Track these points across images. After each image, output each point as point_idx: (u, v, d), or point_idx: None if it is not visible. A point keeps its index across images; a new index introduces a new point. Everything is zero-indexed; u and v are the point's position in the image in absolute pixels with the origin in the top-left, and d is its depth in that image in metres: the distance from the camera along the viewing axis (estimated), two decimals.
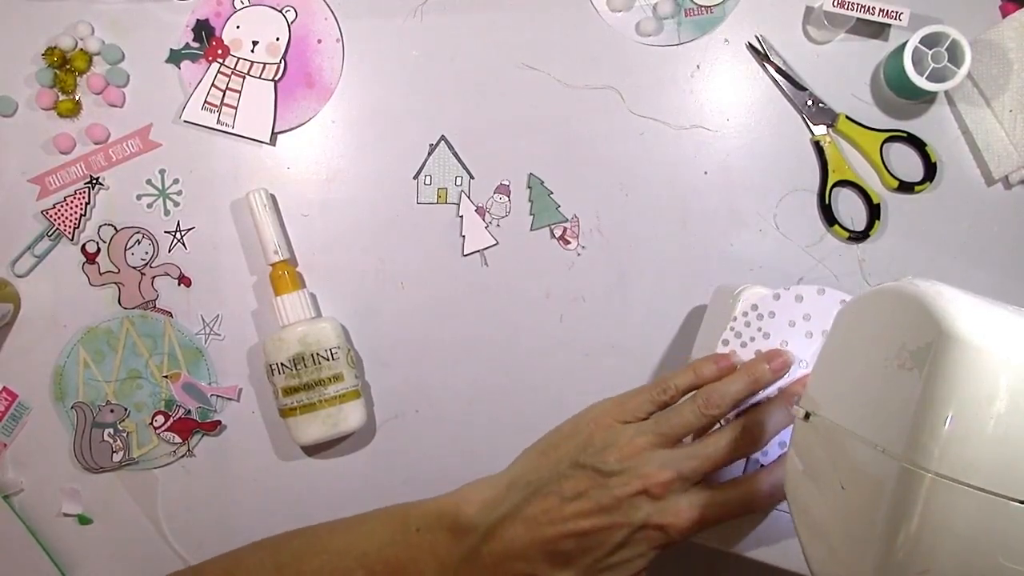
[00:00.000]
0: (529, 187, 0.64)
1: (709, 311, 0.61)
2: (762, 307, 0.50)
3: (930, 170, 0.63)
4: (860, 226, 0.63)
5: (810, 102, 0.63)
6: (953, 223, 0.64)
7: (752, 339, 0.50)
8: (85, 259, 0.64)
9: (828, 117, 0.63)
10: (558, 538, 0.47)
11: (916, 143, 0.63)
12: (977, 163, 0.64)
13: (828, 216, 0.63)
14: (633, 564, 0.47)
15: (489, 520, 0.48)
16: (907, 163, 0.63)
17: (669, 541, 0.47)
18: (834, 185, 0.63)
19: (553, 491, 0.48)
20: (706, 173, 0.64)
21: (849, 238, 0.63)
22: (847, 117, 0.63)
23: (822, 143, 0.63)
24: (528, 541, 0.47)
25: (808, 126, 0.63)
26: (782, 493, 0.44)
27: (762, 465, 0.51)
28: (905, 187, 0.63)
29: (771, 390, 0.50)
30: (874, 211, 0.63)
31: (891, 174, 0.63)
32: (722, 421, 0.49)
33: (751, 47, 0.63)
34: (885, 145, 0.63)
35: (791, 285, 0.50)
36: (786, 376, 0.50)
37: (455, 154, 0.64)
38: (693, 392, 0.50)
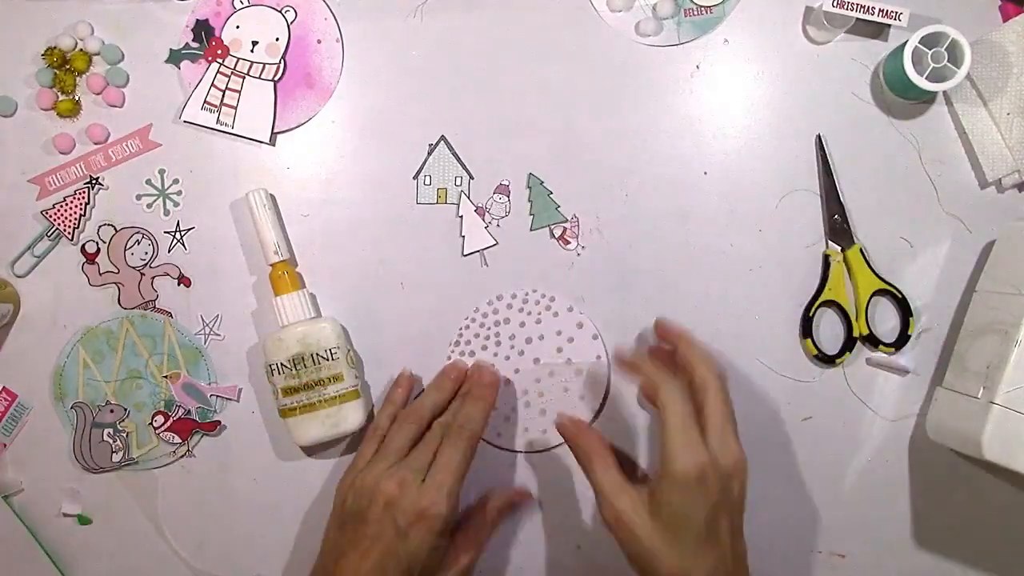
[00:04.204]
0: (529, 187, 0.64)
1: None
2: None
3: (901, 339, 0.62)
4: (831, 350, 0.63)
5: (838, 217, 0.62)
6: None
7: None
8: (85, 259, 0.64)
9: (846, 240, 0.62)
10: None
11: (903, 307, 0.63)
12: (972, 165, 0.64)
13: (805, 327, 0.63)
14: (431, 556, 0.54)
15: None
16: (886, 319, 0.63)
17: (441, 522, 0.53)
18: (823, 303, 0.63)
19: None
20: (706, 173, 0.64)
21: (816, 356, 0.63)
22: (861, 250, 0.62)
23: (831, 260, 0.62)
24: None
25: (826, 238, 0.63)
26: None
27: None
28: (872, 340, 0.63)
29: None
30: (850, 343, 0.63)
31: (867, 322, 0.62)
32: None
33: (818, 140, 0.63)
34: (875, 296, 0.62)
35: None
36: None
37: (455, 154, 0.64)
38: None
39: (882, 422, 0.64)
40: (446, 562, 0.56)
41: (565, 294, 0.63)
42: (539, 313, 0.56)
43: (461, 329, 0.56)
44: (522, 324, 0.56)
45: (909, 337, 0.62)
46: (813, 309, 0.62)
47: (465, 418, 0.56)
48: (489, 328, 0.56)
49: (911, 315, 0.62)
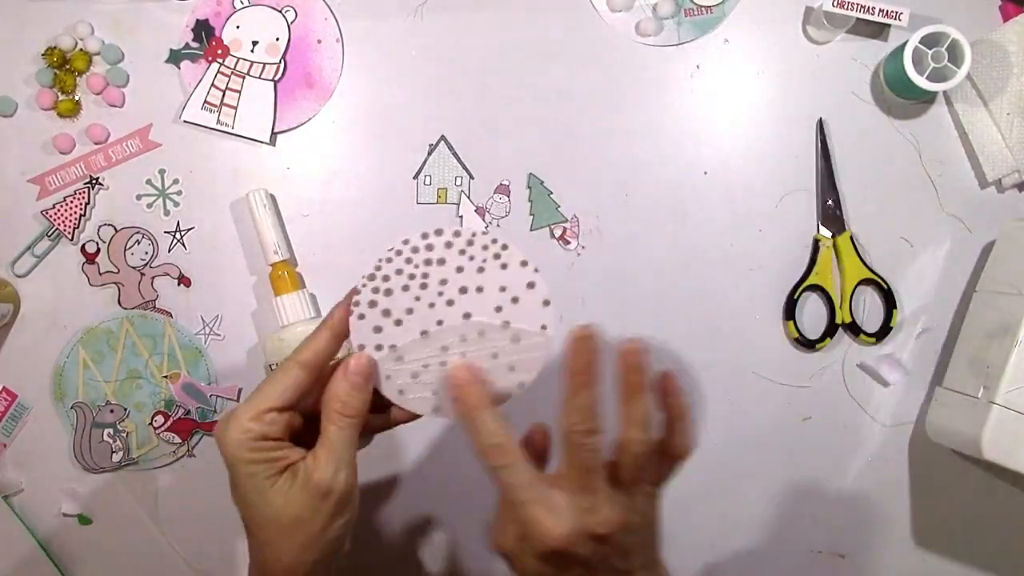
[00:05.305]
0: (529, 187, 0.64)
1: None
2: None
3: (884, 330, 0.63)
4: (813, 335, 0.63)
5: (831, 203, 0.62)
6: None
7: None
8: (85, 259, 0.64)
9: (837, 226, 0.63)
10: None
11: (888, 298, 0.62)
12: (972, 165, 0.64)
13: (789, 310, 0.63)
14: None
15: None
16: (870, 309, 0.63)
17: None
18: (808, 287, 0.63)
19: None
20: (706, 173, 0.64)
21: (796, 340, 0.63)
22: (851, 238, 0.62)
23: (821, 244, 0.62)
24: None
25: (817, 222, 0.63)
26: None
27: None
28: (854, 329, 0.62)
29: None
30: (832, 329, 0.63)
31: (850, 310, 0.62)
32: None
33: (819, 124, 0.63)
34: (861, 285, 0.62)
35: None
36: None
37: (455, 154, 0.64)
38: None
39: (880, 427, 0.64)
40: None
41: (565, 294, 0.64)
42: (484, 260, 0.44)
43: (381, 261, 0.44)
44: (459, 269, 0.44)
45: (891, 329, 0.62)
46: (798, 292, 0.62)
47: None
48: (417, 266, 0.44)
49: (895, 307, 0.62)
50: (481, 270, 0.44)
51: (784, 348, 0.64)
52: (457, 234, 0.44)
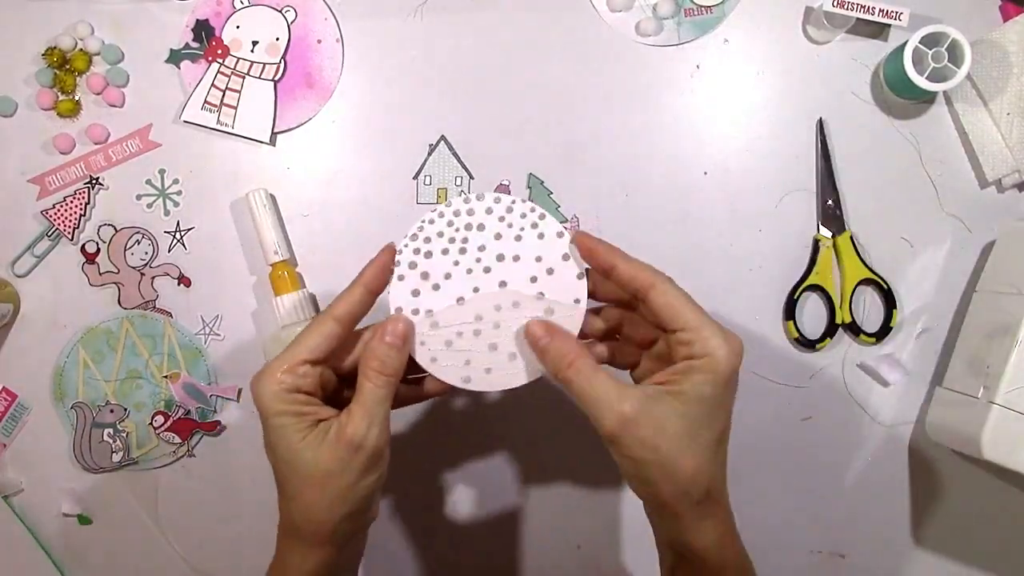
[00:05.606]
0: (529, 187, 0.64)
1: None
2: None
3: (883, 330, 0.63)
4: (813, 335, 0.63)
5: (831, 203, 0.63)
6: None
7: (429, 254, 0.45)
8: (85, 259, 0.64)
9: (837, 226, 0.63)
10: None
11: (888, 298, 0.63)
12: (972, 165, 0.64)
13: (789, 310, 0.63)
14: None
15: None
16: (870, 309, 0.63)
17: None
18: (808, 287, 0.63)
19: None
20: (706, 173, 0.64)
21: (796, 340, 0.63)
22: (851, 238, 0.63)
23: (821, 244, 0.63)
24: None
25: (817, 222, 0.63)
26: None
27: None
28: (854, 329, 0.63)
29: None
30: (832, 329, 0.63)
31: (850, 310, 0.63)
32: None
33: (819, 123, 0.63)
34: (861, 285, 0.63)
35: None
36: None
37: (455, 154, 0.64)
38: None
39: (880, 427, 0.64)
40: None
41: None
42: (522, 229, 0.45)
43: (424, 222, 0.45)
44: (498, 236, 0.45)
45: (891, 329, 0.63)
46: (798, 292, 0.63)
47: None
48: (458, 229, 0.45)
49: (895, 307, 0.62)
50: (519, 238, 0.45)
51: (784, 348, 0.64)
52: (498, 200, 0.46)
